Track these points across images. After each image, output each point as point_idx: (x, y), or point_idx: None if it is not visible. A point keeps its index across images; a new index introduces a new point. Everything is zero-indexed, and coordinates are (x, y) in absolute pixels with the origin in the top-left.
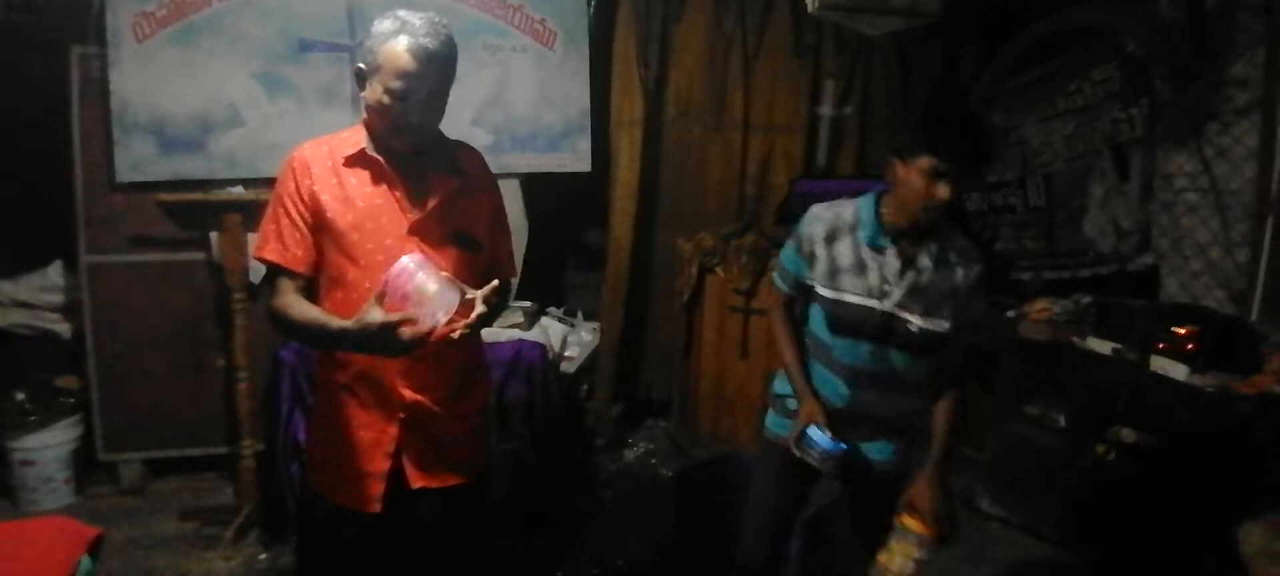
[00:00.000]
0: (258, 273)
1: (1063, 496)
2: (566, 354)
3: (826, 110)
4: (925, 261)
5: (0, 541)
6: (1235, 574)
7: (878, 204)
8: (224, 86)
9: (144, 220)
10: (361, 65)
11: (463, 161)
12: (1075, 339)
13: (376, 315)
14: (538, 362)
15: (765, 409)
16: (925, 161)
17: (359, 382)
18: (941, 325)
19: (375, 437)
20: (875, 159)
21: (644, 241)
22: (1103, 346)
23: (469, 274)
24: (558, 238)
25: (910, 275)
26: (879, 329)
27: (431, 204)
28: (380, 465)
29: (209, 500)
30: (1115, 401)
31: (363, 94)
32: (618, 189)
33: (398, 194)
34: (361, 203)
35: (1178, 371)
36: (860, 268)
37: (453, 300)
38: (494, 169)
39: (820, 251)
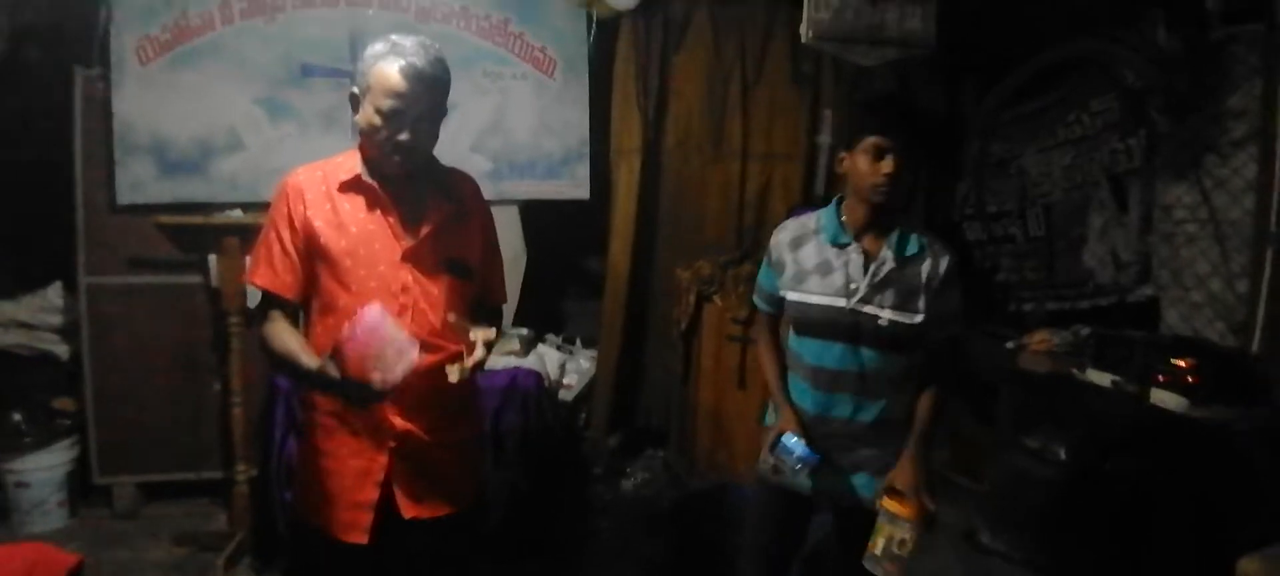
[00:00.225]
0: (255, 297)
1: (1063, 530)
2: (565, 381)
3: (825, 139)
4: (887, 254)
5: None
6: None
7: (839, 206)
8: (225, 110)
9: (144, 242)
10: (354, 89)
11: (457, 188)
12: (1075, 371)
13: (334, 371)
14: (533, 390)
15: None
16: (867, 142)
17: (348, 410)
18: (912, 318)
19: (364, 466)
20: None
21: (643, 269)
22: (1102, 378)
23: (461, 300)
24: (558, 265)
25: (874, 269)
26: (848, 328)
27: (425, 230)
28: (369, 495)
29: (203, 525)
30: (1115, 434)
31: (356, 118)
32: (616, 217)
33: (391, 220)
34: (355, 228)
35: (1178, 404)
36: (826, 268)
37: (412, 357)
38: (493, 196)
39: (787, 257)
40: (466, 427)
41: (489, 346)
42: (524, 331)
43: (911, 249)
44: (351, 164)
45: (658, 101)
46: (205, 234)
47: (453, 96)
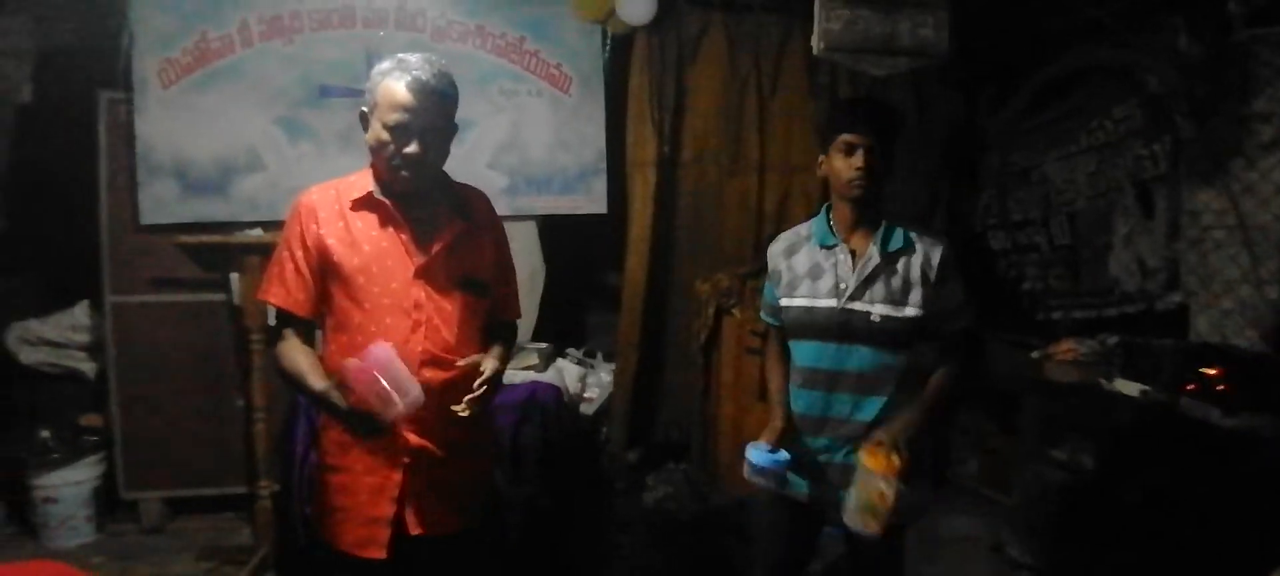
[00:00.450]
0: (274, 314)
1: (1091, 542)
2: (585, 395)
3: None
4: (873, 251)
5: None
6: None
7: (829, 212)
8: (245, 131)
9: (167, 262)
10: (364, 108)
11: (468, 204)
12: (1102, 380)
13: (338, 398)
14: (552, 404)
15: None
16: (838, 141)
17: None
18: (904, 311)
19: (379, 483)
20: (892, 200)
21: (661, 283)
22: (1130, 388)
23: (476, 317)
24: (576, 279)
25: (861, 266)
26: (840, 327)
27: (437, 247)
28: (384, 510)
29: (228, 540)
30: (1144, 444)
31: (366, 137)
32: (632, 231)
33: (404, 237)
34: (368, 246)
35: (1208, 413)
36: (816, 271)
37: (415, 396)
38: (510, 212)
39: (782, 265)
40: (481, 443)
41: (497, 374)
42: (543, 346)
43: (896, 243)
44: (364, 182)
45: (674, 115)
46: (226, 253)
47: (469, 114)
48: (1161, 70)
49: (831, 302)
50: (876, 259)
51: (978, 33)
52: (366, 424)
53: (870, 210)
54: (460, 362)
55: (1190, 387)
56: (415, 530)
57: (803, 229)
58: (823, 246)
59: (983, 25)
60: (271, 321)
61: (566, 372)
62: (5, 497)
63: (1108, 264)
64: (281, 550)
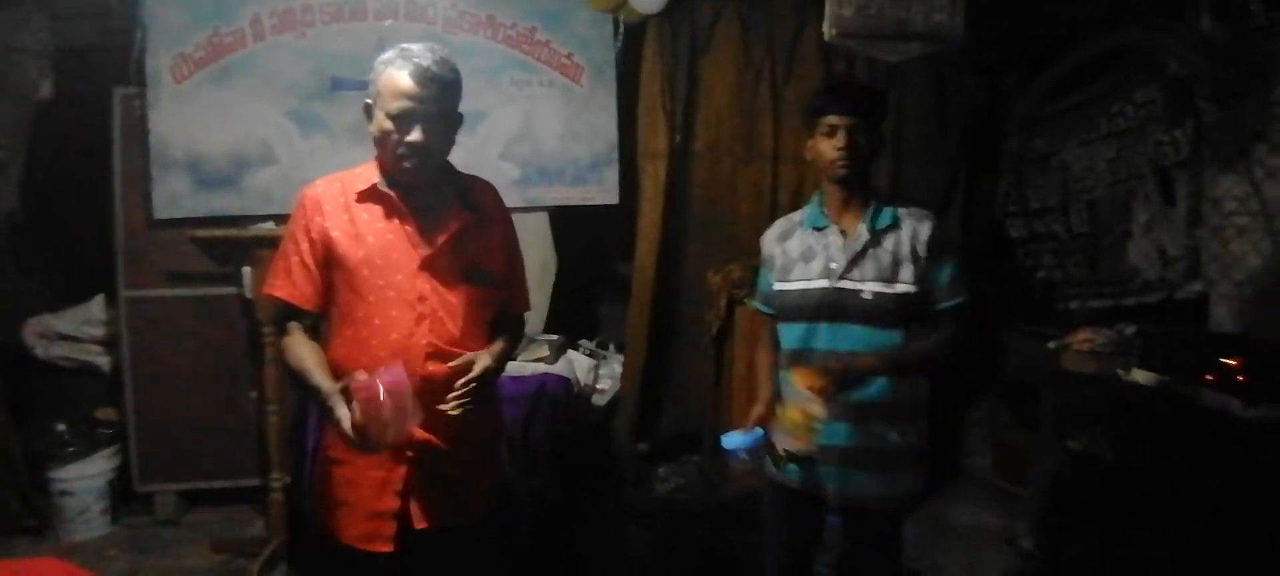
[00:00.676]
0: None
1: (1109, 535)
2: (598, 387)
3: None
4: (862, 229)
5: None
6: None
7: (820, 196)
8: (257, 125)
9: (181, 256)
10: (367, 100)
11: (475, 195)
12: (1120, 371)
13: (340, 404)
14: (562, 396)
15: None
16: (822, 122)
17: None
18: (894, 288)
19: (384, 476)
20: (911, 186)
21: (674, 273)
22: (1149, 378)
23: (482, 309)
24: (588, 270)
25: (851, 245)
26: (833, 306)
27: (442, 238)
28: (389, 504)
29: (241, 531)
30: (1163, 436)
31: (370, 127)
32: (642, 221)
33: (409, 229)
34: (372, 238)
35: (1228, 404)
36: (809, 254)
37: (408, 432)
38: (522, 203)
39: (776, 250)
40: (487, 436)
41: (489, 371)
42: (554, 337)
43: (884, 221)
44: (369, 174)
45: (686, 104)
46: (239, 246)
47: (480, 105)
48: (1183, 53)
49: (823, 282)
50: (865, 236)
51: (998, 17)
52: (357, 438)
53: (859, 190)
54: (452, 363)
55: (1209, 378)
56: (420, 524)
57: (796, 215)
58: (814, 229)
59: (1003, 9)
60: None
61: (577, 364)
62: (22, 490)
63: (1127, 252)
64: (294, 541)
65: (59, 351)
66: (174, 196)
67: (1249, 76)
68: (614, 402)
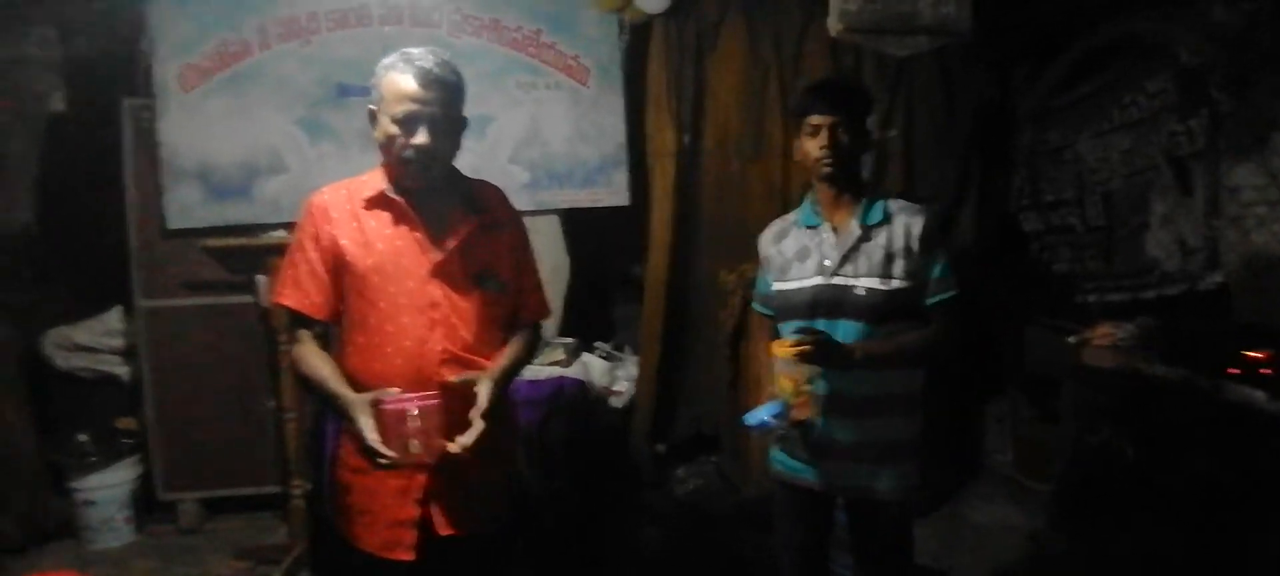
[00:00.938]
0: None
1: (1131, 531)
2: (614, 389)
3: (871, 133)
4: (853, 225)
5: None
6: None
7: (813, 195)
8: (267, 133)
9: (196, 265)
10: (371, 106)
11: (482, 199)
12: (1141, 365)
13: (365, 416)
14: (578, 400)
15: None
16: (806, 123)
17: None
18: (890, 283)
19: (403, 484)
20: (921, 182)
21: (686, 274)
22: (1171, 372)
23: (494, 313)
24: (601, 272)
25: (843, 241)
26: (828, 303)
27: (452, 243)
28: (409, 512)
29: (264, 538)
30: (1186, 430)
31: (375, 134)
32: (653, 222)
33: (418, 235)
34: (381, 245)
35: (1252, 397)
36: (804, 254)
37: (422, 459)
38: (532, 206)
39: (772, 251)
40: (505, 441)
41: (493, 400)
42: (569, 341)
43: (875, 217)
44: (376, 181)
45: (694, 104)
46: (252, 255)
47: (488, 109)
48: (1195, 41)
49: (818, 279)
50: (857, 232)
51: (1005, 8)
52: (376, 454)
53: (849, 187)
54: (453, 380)
55: (1233, 371)
56: (444, 530)
57: (790, 215)
58: (808, 227)
59: (1013, 0)
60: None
61: (592, 367)
62: (46, 501)
63: (1144, 244)
64: (316, 548)
65: (79, 362)
66: (186, 206)
67: (1262, 64)
68: (631, 404)
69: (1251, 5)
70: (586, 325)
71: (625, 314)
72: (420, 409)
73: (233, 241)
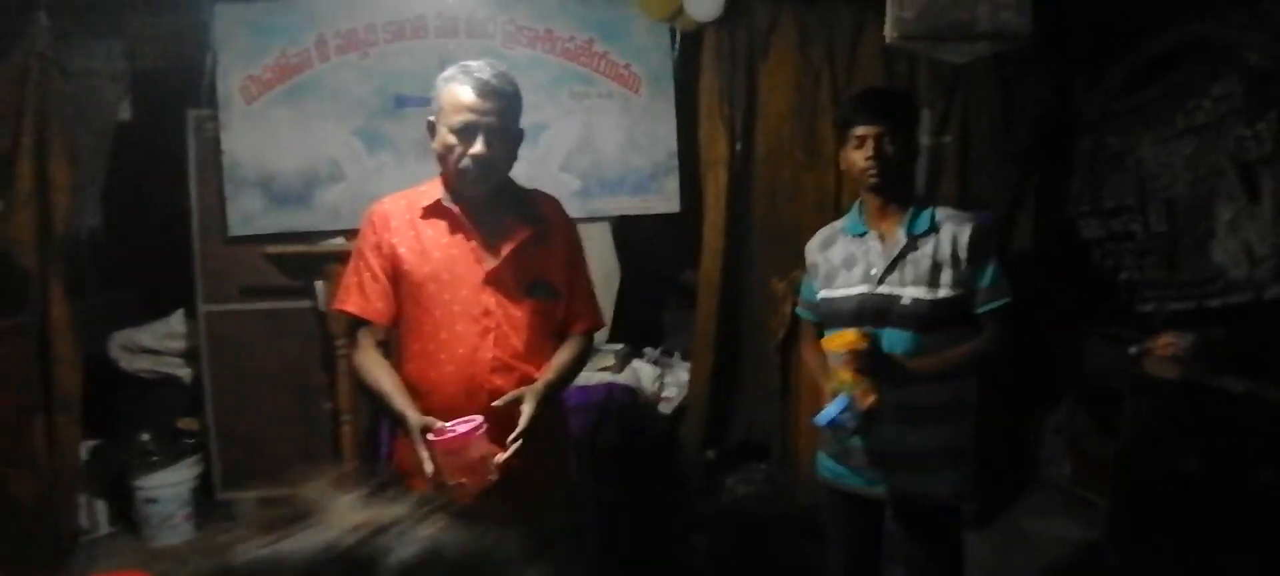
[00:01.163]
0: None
1: (1195, 549)
2: (664, 394)
3: (924, 140)
4: (899, 233)
5: None
6: None
7: (861, 204)
8: (326, 143)
9: (256, 271)
10: (430, 117)
11: (537, 208)
12: (1205, 376)
13: (427, 466)
14: (629, 405)
15: None
16: (851, 135)
17: None
18: (937, 293)
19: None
20: (977, 188)
21: (740, 281)
22: (1237, 384)
23: (546, 323)
24: (651, 279)
25: (889, 250)
26: (874, 312)
27: (505, 252)
28: None
29: None
30: (1253, 445)
31: (433, 144)
32: (706, 229)
33: (473, 244)
34: (438, 253)
35: None
36: (851, 261)
37: (491, 476)
38: (583, 214)
39: (819, 259)
40: (557, 449)
41: (533, 420)
42: (619, 347)
43: (922, 225)
44: (433, 190)
45: (746, 111)
46: (311, 261)
47: (541, 118)
48: (1263, 43)
49: (863, 288)
50: (902, 241)
51: (1068, 12)
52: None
53: (897, 196)
54: (496, 403)
55: None
56: None
57: (837, 223)
58: (855, 236)
59: (1071, 4)
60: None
61: (642, 373)
62: (110, 498)
63: (1210, 252)
64: None
65: (142, 364)
66: (248, 214)
67: None
68: (680, 410)
69: None
70: (636, 331)
71: (674, 320)
72: (465, 443)
73: (292, 248)
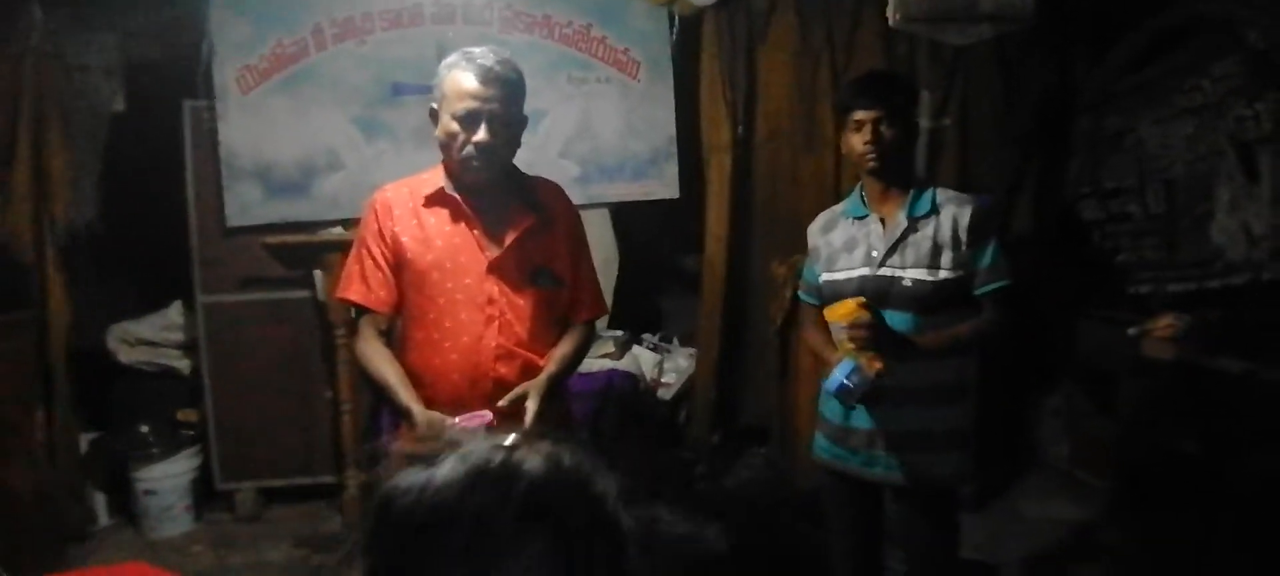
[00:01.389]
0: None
1: (1192, 529)
2: (663, 380)
3: (924, 123)
4: (900, 216)
5: None
6: None
7: (862, 187)
8: (324, 132)
9: (254, 261)
10: (433, 104)
11: (541, 197)
12: (1203, 358)
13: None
14: (629, 392)
15: None
16: (849, 119)
17: None
18: (938, 274)
19: None
20: (977, 171)
21: (741, 266)
22: (1235, 365)
23: (549, 311)
24: (650, 265)
25: (890, 232)
26: (875, 294)
27: (508, 240)
28: None
29: (321, 528)
30: (1250, 426)
31: (435, 132)
32: (710, 214)
33: (476, 232)
34: (440, 242)
35: None
36: (851, 244)
37: None
38: (582, 200)
39: (820, 242)
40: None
41: (537, 415)
42: (619, 333)
43: (922, 208)
44: (436, 178)
45: (747, 95)
46: (309, 251)
47: (539, 104)
48: (1264, 23)
49: (865, 271)
50: (903, 224)
51: None
52: None
53: (897, 179)
54: (501, 403)
55: None
56: None
57: (838, 206)
58: (855, 218)
59: None
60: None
61: (642, 359)
62: (109, 490)
63: (1208, 233)
64: None
65: (140, 356)
66: (245, 204)
67: None
68: (679, 397)
69: None
70: (635, 317)
71: (672, 306)
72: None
73: (291, 238)
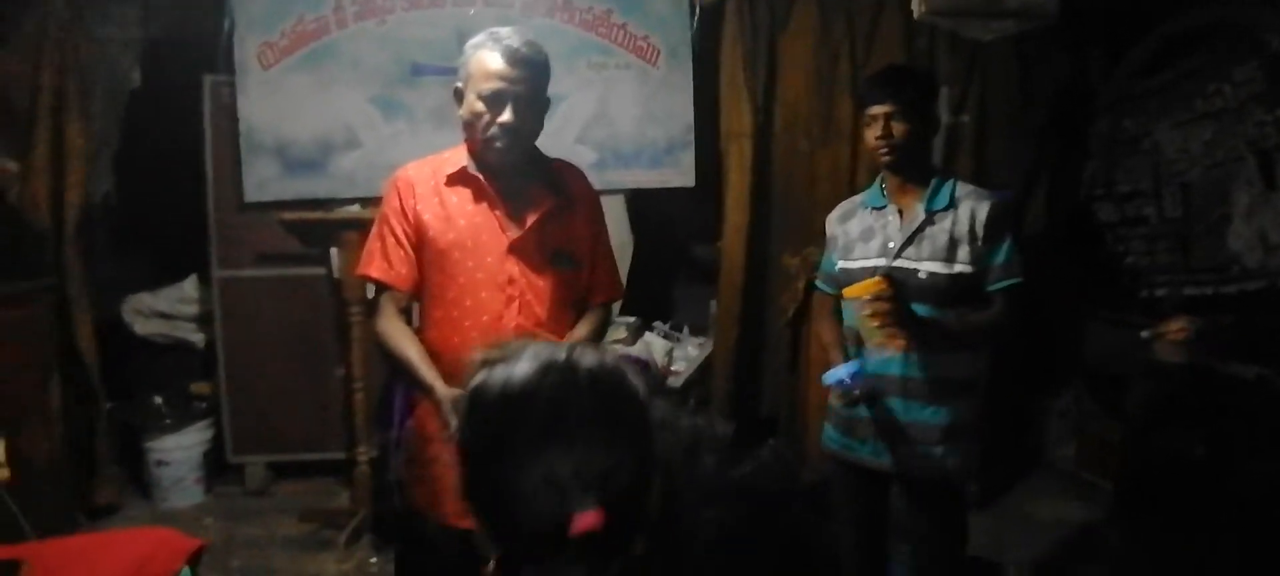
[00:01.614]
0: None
1: (1201, 534)
2: (673, 369)
3: (943, 118)
4: (918, 208)
5: (102, 550)
6: None
7: (882, 178)
8: (342, 110)
9: (270, 237)
10: (458, 84)
11: (562, 179)
12: (1215, 362)
13: (451, 414)
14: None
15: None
16: (865, 115)
17: None
18: (953, 268)
19: None
20: (994, 168)
21: (758, 257)
22: (1246, 371)
23: (568, 292)
24: (665, 253)
25: (908, 225)
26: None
27: (530, 221)
28: None
29: (328, 503)
30: (1260, 432)
31: (460, 111)
32: (729, 203)
33: (498, 212)
34: (462, 221)
35: None
36: (868, 234)
37: None
38: (599, 186)
39: (838, 231)
40: None
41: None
42: (631, 319)
43: (940, 201)
44: (458, 158)
45: (766, 85)
46: (326, 228)
47: (558, 89)
48: None
49: (880, 261)
50: (921, 216)
51: None
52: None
53: (914, 172)
54: None
55: None
56: None
57: (858, 197)
58: (874, 209)
59: None
60: (371, 295)
61: (654, 346)
62: (122, 461)
63: (1224, 238)
64: (379, 514)
65: (155, 328)
66: (263, 180)
67: None
68: (688, 385)
69: None
70: (648, 304)
71: (684, 295)
72: None
73: (308, 215)
